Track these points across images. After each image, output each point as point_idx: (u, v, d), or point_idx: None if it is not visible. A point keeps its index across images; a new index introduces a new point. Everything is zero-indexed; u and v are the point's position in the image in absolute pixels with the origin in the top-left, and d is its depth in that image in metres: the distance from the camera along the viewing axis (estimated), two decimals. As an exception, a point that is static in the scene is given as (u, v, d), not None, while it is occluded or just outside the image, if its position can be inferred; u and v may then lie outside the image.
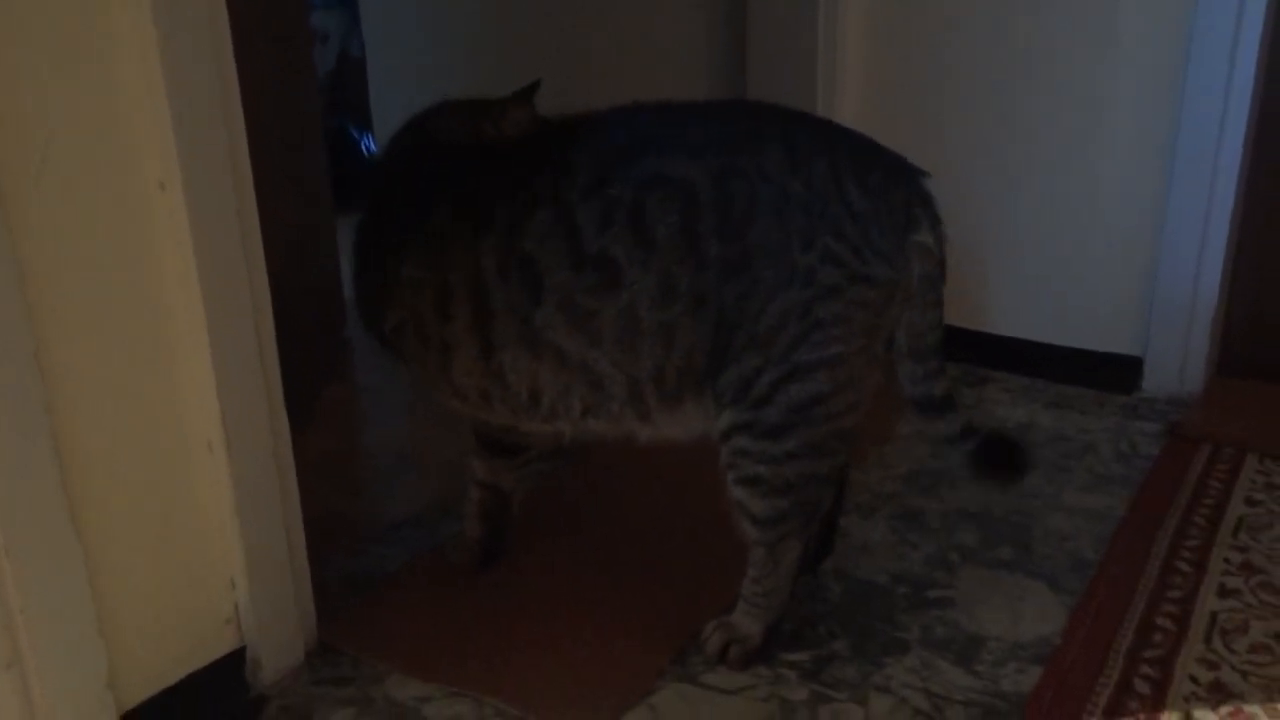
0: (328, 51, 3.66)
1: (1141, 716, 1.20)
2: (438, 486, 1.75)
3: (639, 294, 1.18)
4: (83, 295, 1.07)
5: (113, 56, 1.05)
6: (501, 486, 1.49)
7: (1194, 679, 1.25)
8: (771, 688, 1.28)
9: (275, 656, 1.29)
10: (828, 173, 1.17)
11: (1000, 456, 1.35)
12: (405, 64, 2.84)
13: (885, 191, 1.19)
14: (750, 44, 2.17)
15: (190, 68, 1.10)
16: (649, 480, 1.78)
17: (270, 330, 1.22)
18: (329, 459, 1.91)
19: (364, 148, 3.53)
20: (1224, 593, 1.41)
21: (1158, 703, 1.22)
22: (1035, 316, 2.14)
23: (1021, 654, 1.33)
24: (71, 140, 1.03)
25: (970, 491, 1.70)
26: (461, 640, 1.37)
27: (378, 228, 1.33)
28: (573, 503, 1.72)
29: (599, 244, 1.18)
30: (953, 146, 2.07)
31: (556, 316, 1.20)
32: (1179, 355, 2.01)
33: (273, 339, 1.23)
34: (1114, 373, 2.08)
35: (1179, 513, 1.61)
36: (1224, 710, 1.20)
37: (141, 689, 1.17)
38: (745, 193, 1.16)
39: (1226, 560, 1.48)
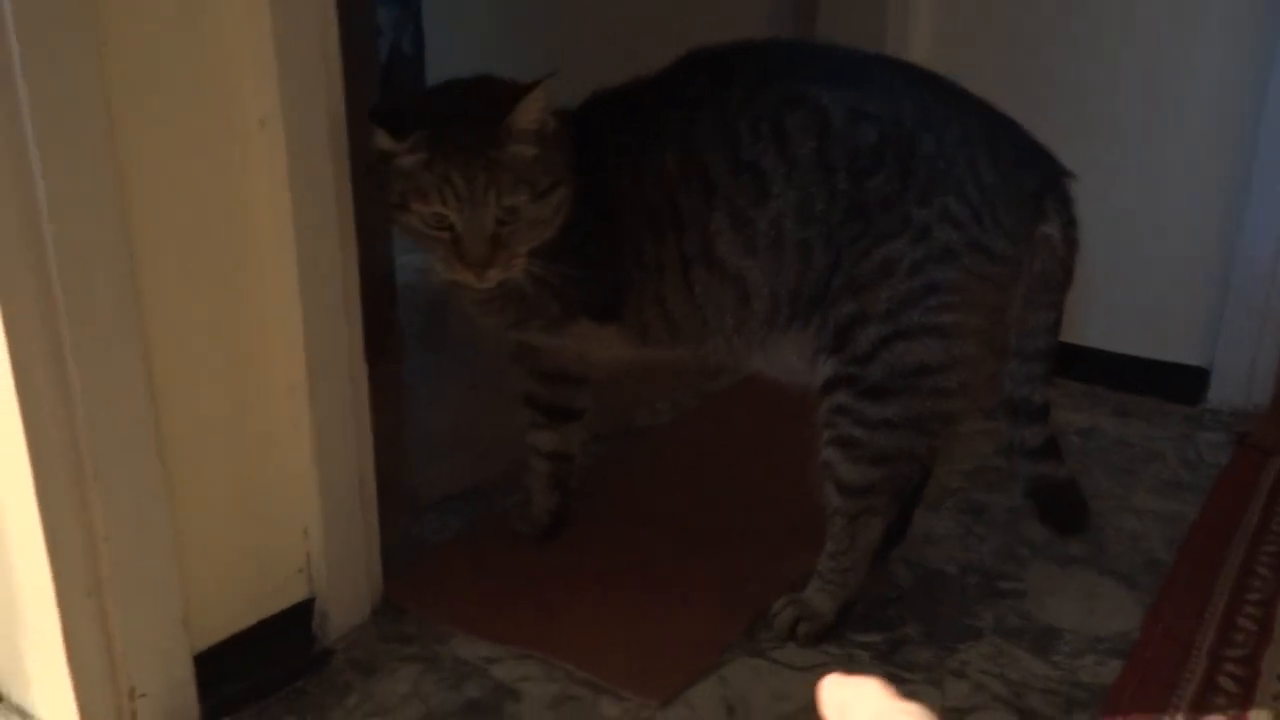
0: (380, 46, 3.68)
1: (1231, 713, 1.17)
2: (490, 462, 1.74)
3: (784, 207, 1.17)
4: (180, 226, 1.06)
5: (223, -10, 1.05)
6: (570, 453, 1.47)
7: (1280, 679, 1.22)
8: (844, 666, 1.25)
9: (342, 610, 1.27)
10: (960, 137, 1.16)
11: (1061, 507, 1.37)
12: (464, 61, 2.84)
13: (1018, 174, 1.18)
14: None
15: (295, 7, 1.09)
16: (718, 450, 1.77)
17: (355, 278, 1.21)
18: (381, 434, 1.90)
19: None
20: (1306, 597, 1.38)
21: (1245, 700, 1.19)
22: (1099, 323, 2.11)
23: (1099, 647, 1.30)
24: (179, 69, 1.03)
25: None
26: (526, 604, 1.35)
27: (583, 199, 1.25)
28: (639, 472, 1.71)
29: (752, 153, 1.17)
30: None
31: (725, 223, 1.19)
32: (1247, 368, 1.97)
33: (357, 287, 1.22)
34: (1178, 383, 2.04)
35: (1254, 518, 1.58)
36: (1313, 711, 1.17)
37: (213, 632, 1.16)
38: (873, 135, 1.16)
39: (1306, 566, 1.45)
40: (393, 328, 2.42)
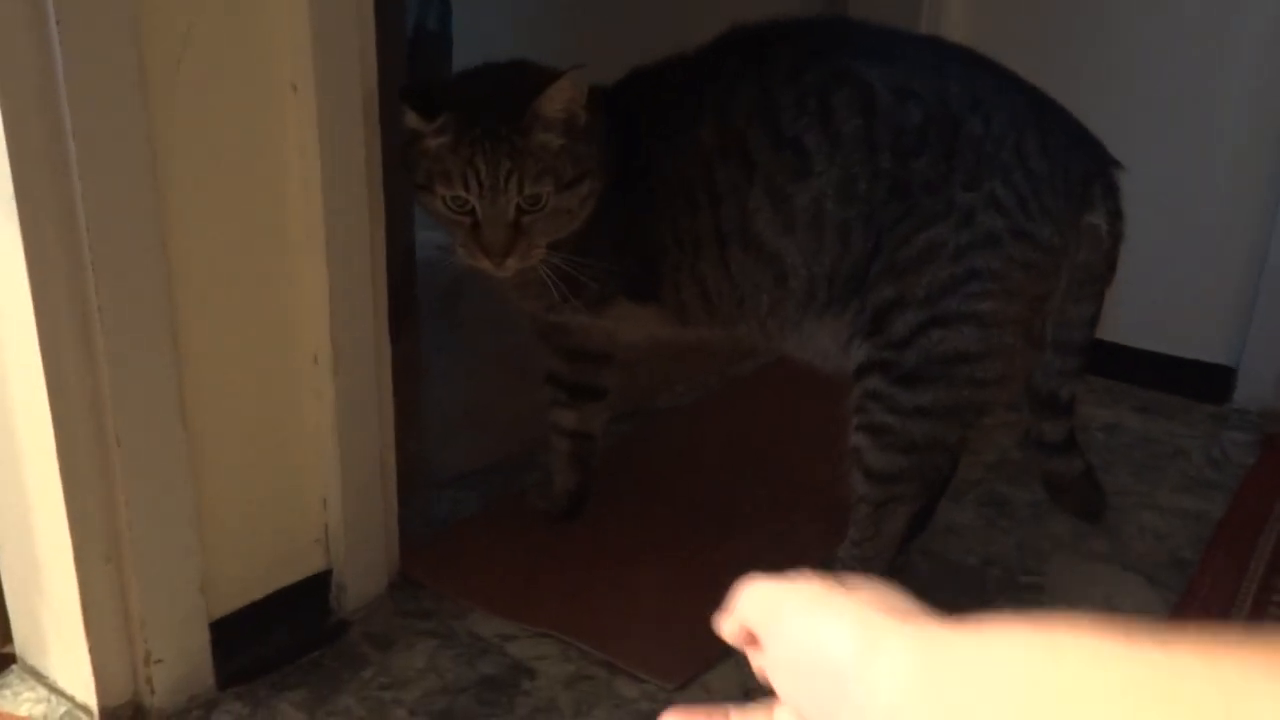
0: (405, 24, 3.65)
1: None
2: (508, 440, 1.73)
3: (826, 186, 1.15)
4: (210, 190, 1.05)
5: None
6: (593, 432, 1.46)
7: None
8: (863, 656, 1.24)
9: (359, 583, 1.27)
10: (1008, 121, 1.14)
11: (1077, 496, 1.39)
12: (495, 40, 2.82)
13: (1066, 161, 1.15)
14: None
15: (329, -30, 1.08)
16: (740, 434, 1.76)
17: (383, 247, 1.20)
18: (399, 410, 1.88)
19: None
20: (1333, 600, 1.36)
21: (1271, 702, 1.17)
22: (1124, 319, 2.08)
23: (1123, 644, 1.28)
24: (212, 32, 1.01)
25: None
26: (544, 583, 1.34)
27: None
28: (659, 454, 1.70)
29: (795, 129, 1.15)
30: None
31: (763, 199, 1.17)
32: (1275, 367, 1.95)
33: (384, 257, 1.20)
34: (1204, 381, 2.01)
35: (1281, 519, 1.55)
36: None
37: (230, 600, 1.15)
38: (918, 115, 1.14)
39: (1334, 569, 1.43)
40: (412, 305, 2.41)
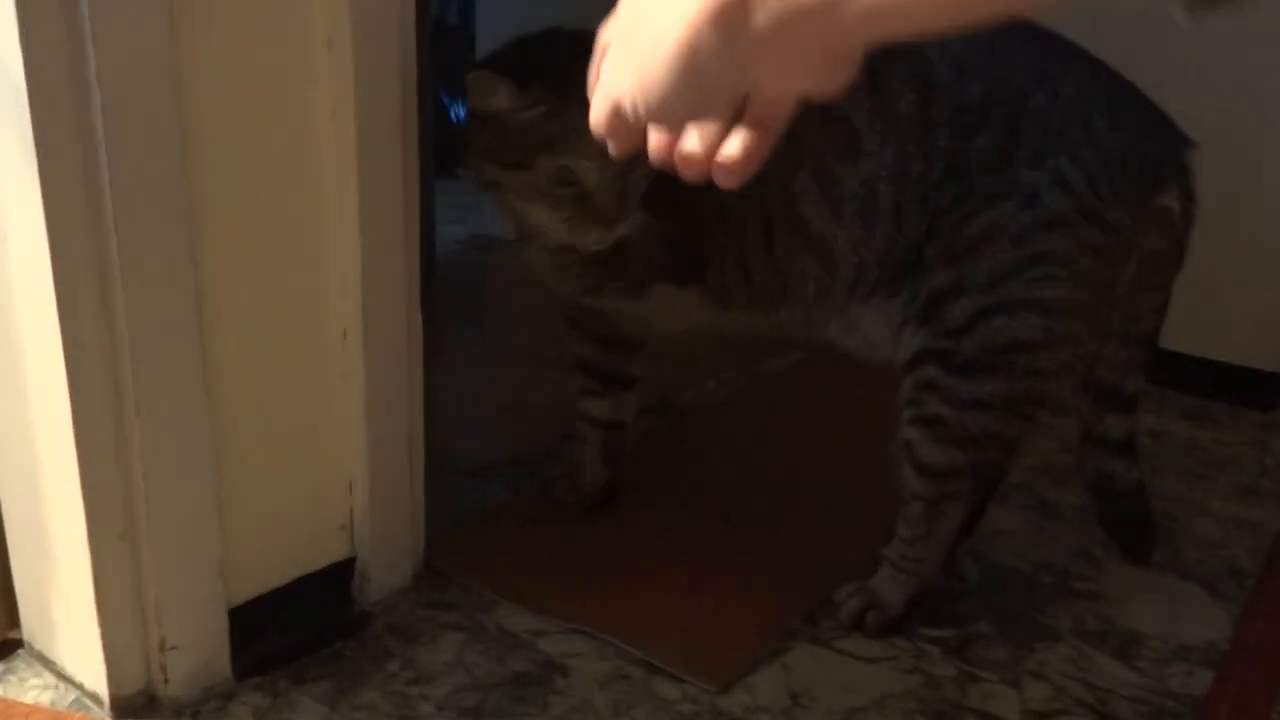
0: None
1: (1335, 731, 1.08)
2: (530, 431, 1.67)
3: (877, 166, 1.09)
4: (239, 148, 0.99)
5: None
6: (624, 422, 1.40)
7: (1385, 699, 1.14)
8: (915, 661, 1.18)
9: (383, 573, 1.20)
10: (1077, 95, 1.07)
11: (1127, 520, 1.32)
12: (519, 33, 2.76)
13: (1138, 138, 1.09)
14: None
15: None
16: (770, 431, 1.70)
17: (417, 216, 1.14)
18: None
19: (453, 114, 3.50)
20: (1405, 615, 1.29)
21: (1350, 719, 1.10)
22: (1170, 324, 2.01)
23: (1188, 656, 1.21)
24: (245, -19, 0.96)
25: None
26: (575, 577, 1.28)
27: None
28: (688, 449, 1.64)
29: (844, 105, 1.09)
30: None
31: (809, 183, 1.11)
32: (1326, 375, 1.88)
33: (418, 229, 1.14)
34: (1252, 388, 1.95)
35: (1345, 530, 1.49)
36: None
37: (250, 586, 1.09)
38: (980, 90, 1.07)
39: (1403, 582, 1.36)
40: (430, 294, 2.36)
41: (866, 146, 1.09)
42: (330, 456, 1.13)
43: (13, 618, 1.10)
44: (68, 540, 0.98)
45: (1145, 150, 1.10)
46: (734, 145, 0.55)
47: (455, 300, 2.41)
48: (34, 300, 0.91)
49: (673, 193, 1.13)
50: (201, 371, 0.97)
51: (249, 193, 1.00)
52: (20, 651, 1.10)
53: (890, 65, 1.10)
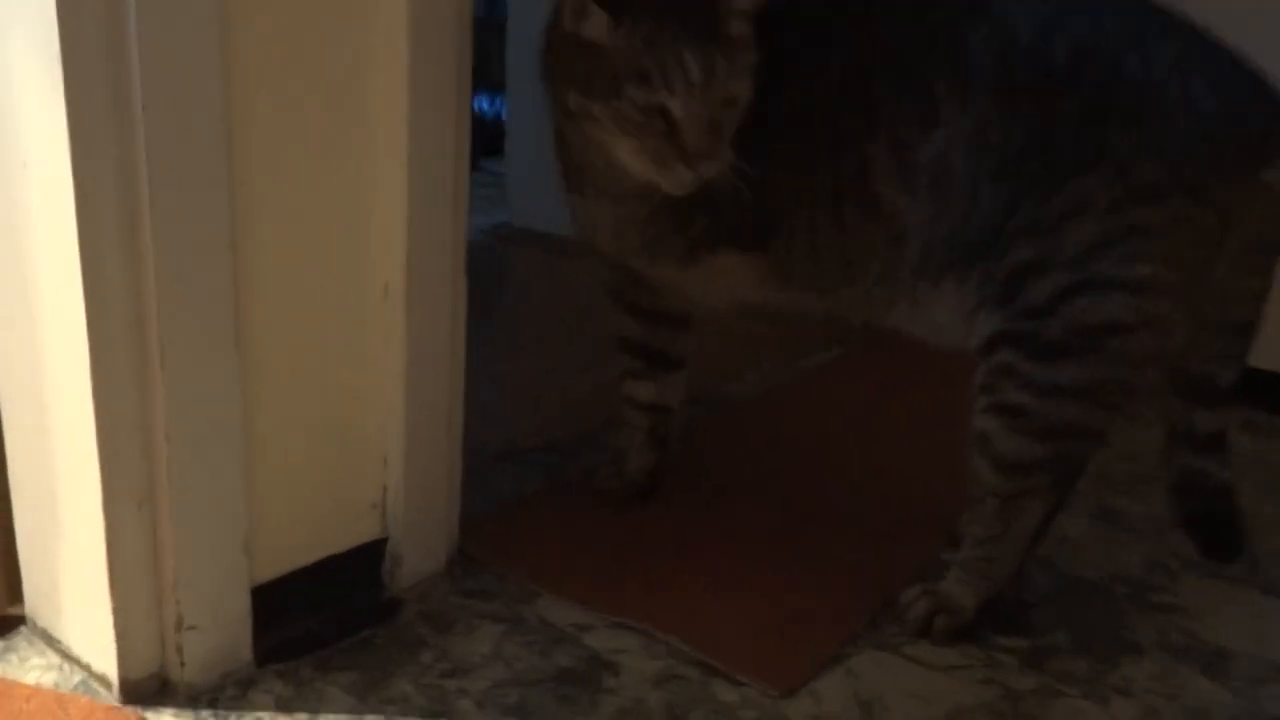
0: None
1: None
2: (561, 420, 1.58)
3: (954, 136, 1.01)
4: (281, 78, 0.90)
5: None
6: (670, 407, 1.32)
7: None
8: (989, 671, 1.09)
9: (416, 556, 1.12)
10: (1175, 58, 0.99)
11: (1213, 522, 1.25)
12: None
13: (1242, 104, 1.00)
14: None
15: None
16: (818, 425, 1.62)
17: (466, 168, 1.05)
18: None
19: (478, 106, 3.45)
20: None
21: None
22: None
23: (1283, 675, 1.12)
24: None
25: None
26: (621, 570, 1.19)
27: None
28: (733, 441, 1.55)
29: (922, 70, 1.02)
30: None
31: (882, 149, 1.04)
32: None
33: (467, 179, 1.06)
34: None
35: None
36: None
37: (275, 564, 1.00)
38: (1067, 51, 0.99)
39: None
40: (472, 284, 2.31)
41: (944, 115, 1.02)
42: (365, 426, 1.04)
43: (15, 591, 1.01)
44: (80, 506, 0.89)
45: (1249, 120, 1.01)
46: None
47: (477, 289, 2.34)
48: (53, 236, 0.82)
49: (758, 140, 1.05)
50: (233, 323, 0.88)
51: (290, 124, 0.91)
52: (22, 628, 1.01)
53: (973, 29, 1.02)
